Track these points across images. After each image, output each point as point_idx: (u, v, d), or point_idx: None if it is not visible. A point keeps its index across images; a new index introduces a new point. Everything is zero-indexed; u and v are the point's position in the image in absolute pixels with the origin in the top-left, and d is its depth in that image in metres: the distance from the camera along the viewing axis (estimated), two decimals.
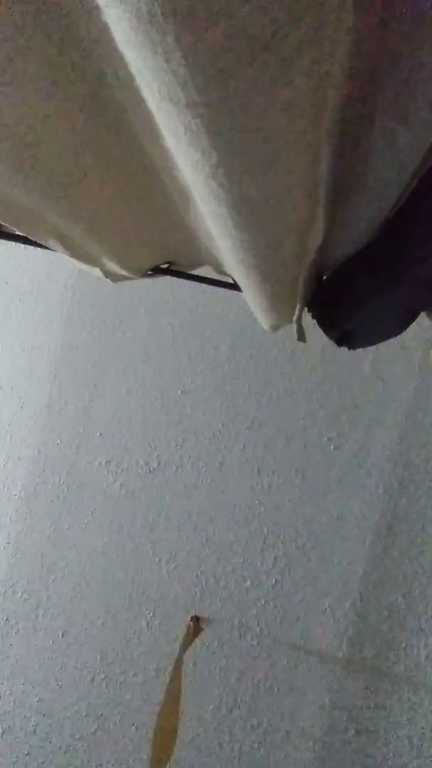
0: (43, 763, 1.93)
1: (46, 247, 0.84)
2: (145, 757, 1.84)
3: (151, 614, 1.85)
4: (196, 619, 1.80)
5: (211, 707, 1.81)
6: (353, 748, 1.73)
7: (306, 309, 0.95)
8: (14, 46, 0.40)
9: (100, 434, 1.91)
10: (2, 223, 0.72)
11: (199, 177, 0.49)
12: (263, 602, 1.78)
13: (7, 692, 1.95)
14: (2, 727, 1.96)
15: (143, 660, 1.86)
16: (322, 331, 0.95)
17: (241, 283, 0.87)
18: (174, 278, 1.11)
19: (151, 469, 1.87)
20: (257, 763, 1.79)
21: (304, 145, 0.47)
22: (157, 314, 1.88)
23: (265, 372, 1.81)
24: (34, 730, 1.94)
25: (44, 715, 1.93)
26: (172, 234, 0.82)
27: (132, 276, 0.97)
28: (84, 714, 1.90)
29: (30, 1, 0.37)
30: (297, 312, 0.94)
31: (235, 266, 0.75)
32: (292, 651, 1.76)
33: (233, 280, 0.99)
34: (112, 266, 0.90)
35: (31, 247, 0.95)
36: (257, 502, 1.79)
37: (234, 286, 1.04)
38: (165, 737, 1.63)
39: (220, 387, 1.83)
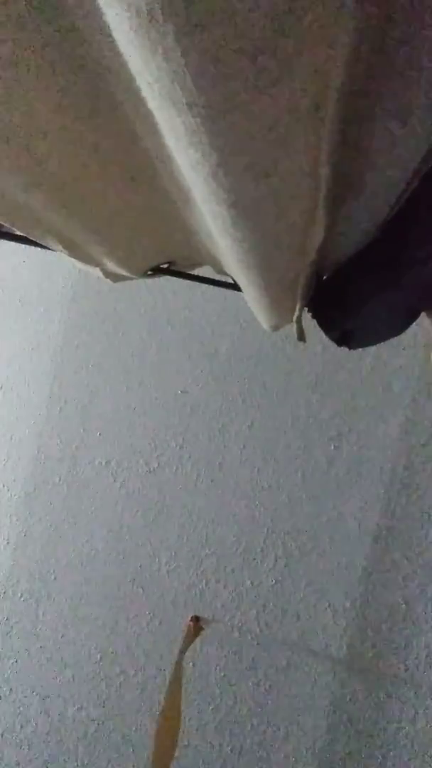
0: (43, 763, 1.93)
1: (46, 247, 0.84)
2: (146, 757, 1.84)
3: (151, 614, 1.85)
4: (196, 619, 1.80)
5: (211, 707, 1.81)
6: (353, 748, 1.73)
7: (306, 309, 0.95)
8: (14, 46, 0.40)
9: (100, 434, 1.91)
10: (2, 222, 0.72)
11: (199, 177, 0.49)
12: (263, 602, 1.78)
13: (7, 692, 1.95)
14: (2, 727, 1.96)
15: (143, 660, 1.86)
16: (322, 331, 0.95)
17: (240, 283, 0.87)
18: (174, 278, 1.11)
19: (151, 469, 1.87)
20: (257, 763, 1.79)
21: (304, 145, 0.47)
22: (157, 314, 1.88)
23: (266, 372, 1.81)
24: (34, 730, 1.94)
25: (44, 715, 1.93)
26: (173, 234, 0.82)
27: (132, 276, 0.97)
28: (84, 714, 1.90)
29: (30, 2, 0.37)
30: (297, 312, 0.94)
31: (235, 266, 0.75)
32: (292, 651, 1.76)
33: (233, 280, 0.99)
34: (112, 266, 0.90)
35: (31, 247, 0.95)
36: (257, 502, 1.79)
37: (234, 286, 1.04)
38: (167, 738, 1.62)
39: (220, 387, 1.83)
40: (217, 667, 1.80)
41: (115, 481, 1.89)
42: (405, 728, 1.70)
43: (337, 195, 0.62)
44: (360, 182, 0.61)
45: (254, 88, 0.38)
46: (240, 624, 1.79)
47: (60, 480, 1.93)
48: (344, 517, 1.74)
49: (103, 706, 1.89)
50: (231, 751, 1.81)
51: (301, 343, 1.05)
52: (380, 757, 1.72)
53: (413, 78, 0.46)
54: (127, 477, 1.88)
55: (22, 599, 1.95)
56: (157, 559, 1.85)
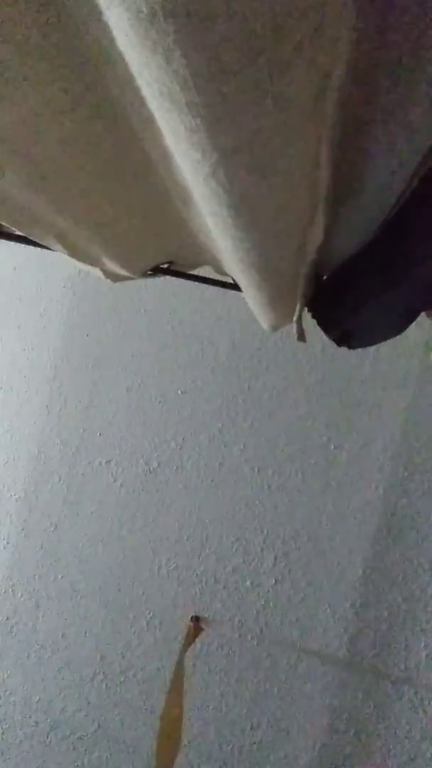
0: (43, 763, 1.93)
1: (46, 247, 0.84)
2: (146, 756, 1.84)
3: (151, 614, 1.85)
4: (196, 619, 1.80)
5: (211, 707, 1.81)
6: (353, 748, 1.73)
7: (306, 309, 0.95)
8: (14, 46, 0.40)
9: (100, 434, 1.91)
10: (2, 223, 0.72)
11: (199, 177, 0.49)
12: (263, 602, 1.78)
13: (8, 692, 1.95)
14: (2, 727, 1.96)
15: (143, 660, 1.86)
16: (322, 331, 0.95)
17: (241, 283, 0.87)
18: (174, 278, 1.11)
19: (151, 469, 1.87)
20: (257, 763, 1.79)
21: (304, 145, 0.47)
22: (157, 314, 1.88)
23: (265, 372, 1.80)
24: (34, 730, 1.94)
25: (44, 714, 1.93)
26: (172, 234, 0.82)
27: (132, 276, 0.97)
28: (84, 714, 1.90)
29: (30, 2, 0.37)
30: (297, 312, 0.94)
31: (235, 266, 0.75)
32: (292, 651, 1.76)
33: (233, 280, 1.00)
34: (112, 266, 0.90)
35: (31, 247, 0.95)
36: (257, 502, 1.79)
37: (234, 286, 1.04)
38: (169, 739, 1.62)
39: (220, 387, 1.83)
40: (217, 667, 1.80)
41: (115, 481, 1.89)
42: (405, 728, 1.70)
43: (337, 195, 0.62)
44: (359, 182, 0.61)
45: (255, 87, 0.38)
46: (240, 624, 1.79)
47: (60, 480, 1.93)
48: (344, 517, 1.74)
49: (103, 706, 1.89)
50: (231, 751, 1.81)
51: (301, 343, 1.05)
52: (380, 757, 1.72)
53: (413, 77, 0.46)
54: (127, 477, 1.88)
55: (22, 599, 1.95)
56: (157, 559, 1.85)
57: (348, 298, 0.86)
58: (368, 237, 0.76)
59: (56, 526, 1.93)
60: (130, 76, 0.42)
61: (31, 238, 0.78)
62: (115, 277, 1.00)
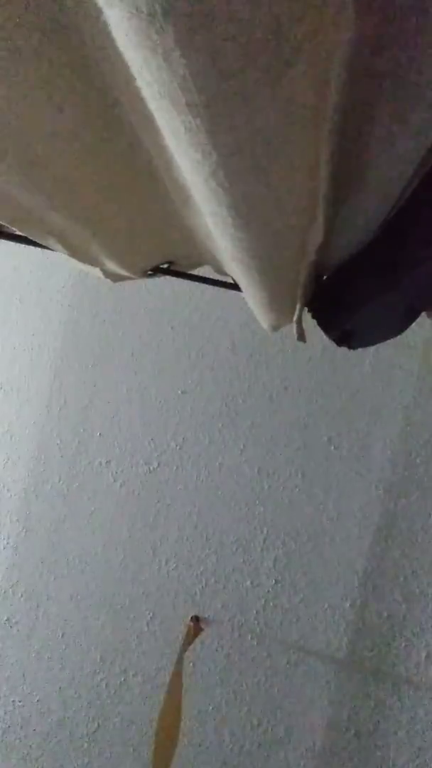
0: (42, 763, 1.93)
1: (46, 247, 0.84)
2: (146, 756, 1.84)
3: (151, 614, 1.85)
4: (196, 619, 1.80)
5: (211, 707, 1.81)
6: (353, 748, 1.73)
7: (306, 309, 0.95)
8: (14, 45, 0.40)
9: (100, 434, 1.91)
10: (2, 222, 0.72)
11: (199, 177, 0.49)
12: (263, 602, 1.78)
13: (7, 692, 1.95)
14: (2, 727, 1.96)
15: (143, 660, 1.86)
16: (322, 331, 0.95)
17: (240, 283, 0.87)
18: (174, 278, 1.11)
19: (151, 469, 1.87)
20: (257, 763, 1.79)
21: (304, 145, 0.47)
22: (157, 314, 1.88)
23: (265, 372, 1.80)
24: (34, 730, 1.94)
25: (44, 715, 1.93)
26: (172, 234, 0.82)
27: (132, 276, 0.97)
28: (84, 714, 1.90)
29: (30, 1, 0.37)
30: (297, 312, 0.94)
31: (234, 266, 0.75)
32: (292, 651, 1.76)
33: (233, 280, 1.00)
34: (112, 266, 0.90)
35: (31, 247, 0.95)
36: (257, 502, 1.79)
37: (234, 286, 1.04)
38: (167, 738, 1.62)
39: (220, 387, 1.83)
40: (217, 668, 1.80)
41: (115, 481, 1.89)
42: (405, 728, 1.70)
43: (337, 195, 0.62)
44: (360, 182, 0.61)
45: (254, 87, 0.38)
46: (240, 624, 1.79)
47: (60, 480, 1.93)
48: (344, 517, 1.74)
49: (103, 706, 1.89)
50: (231, 751, 1.81)
51: (301, 343, 1.05)
52: (380, 757, 1.72)
53: (413, 77, 0.46)
54: (127, 477, 1.88)
55: (22, 599, 1.95)
56: (157, 559, 1.85)
57: (348, 298, 0.86)
58: (368, 237, 0.76)
59: (56, 526, 1.93)
60: (130, 77, 0.42)
61: (31, 238, 0.78)
62: (115, 277, 1.00)
